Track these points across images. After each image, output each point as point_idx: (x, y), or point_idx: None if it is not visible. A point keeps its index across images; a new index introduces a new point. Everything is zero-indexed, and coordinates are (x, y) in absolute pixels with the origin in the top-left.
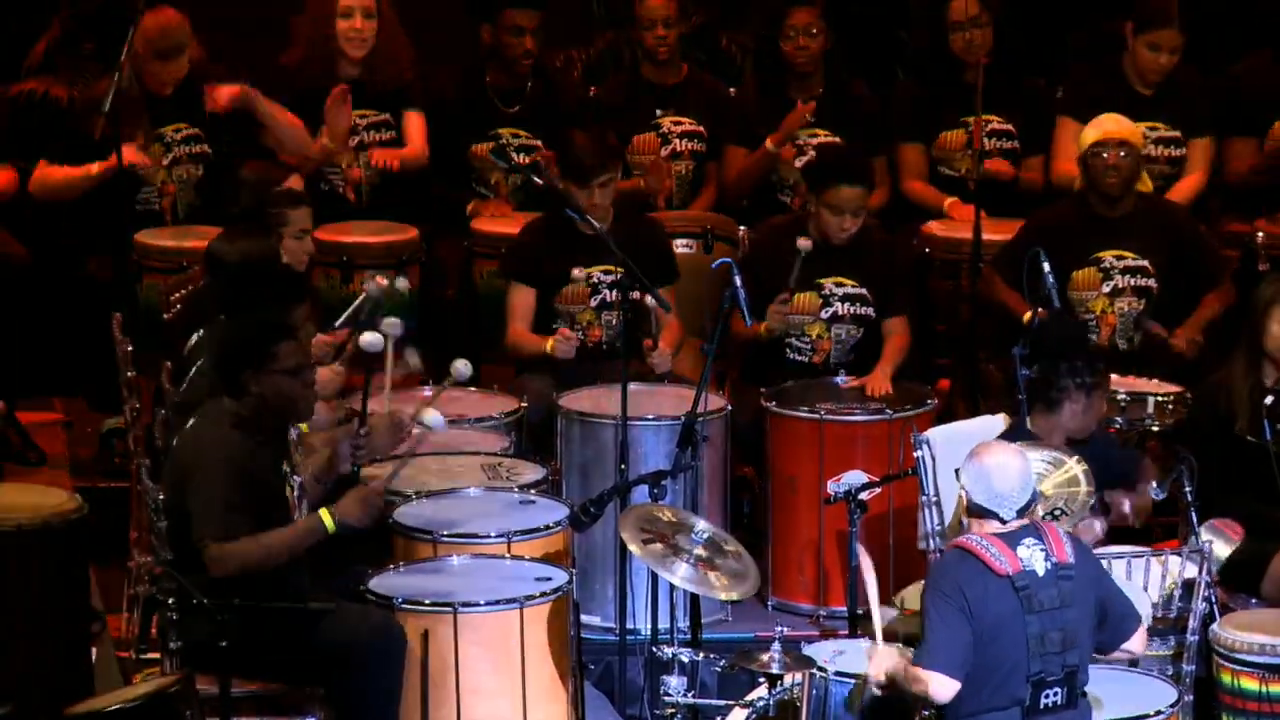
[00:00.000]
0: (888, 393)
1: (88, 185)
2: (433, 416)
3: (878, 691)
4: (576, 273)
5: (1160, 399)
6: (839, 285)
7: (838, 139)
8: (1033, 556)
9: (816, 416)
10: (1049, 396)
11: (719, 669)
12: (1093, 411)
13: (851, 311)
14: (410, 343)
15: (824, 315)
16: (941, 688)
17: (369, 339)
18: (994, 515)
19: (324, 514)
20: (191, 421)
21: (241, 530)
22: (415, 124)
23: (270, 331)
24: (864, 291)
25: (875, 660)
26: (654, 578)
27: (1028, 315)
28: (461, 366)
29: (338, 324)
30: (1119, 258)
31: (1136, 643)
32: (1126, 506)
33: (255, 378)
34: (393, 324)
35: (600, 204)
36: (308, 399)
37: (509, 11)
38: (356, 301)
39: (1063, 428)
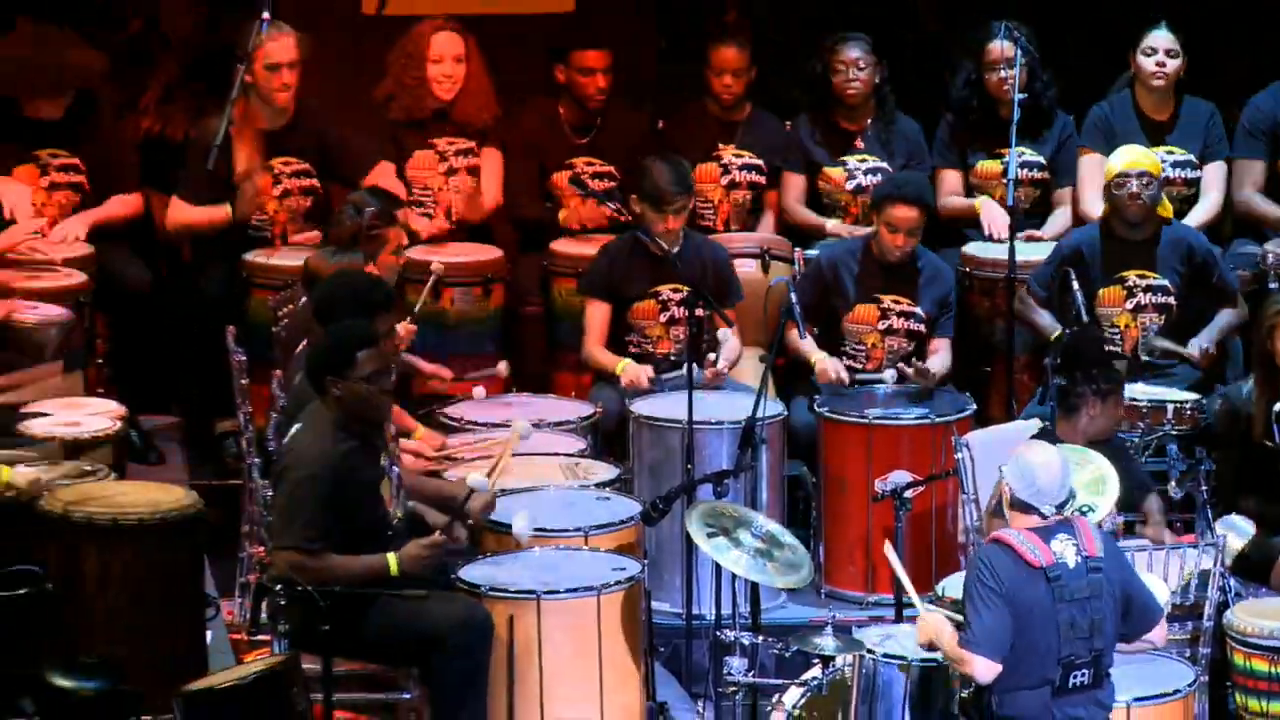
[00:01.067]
0: (932, 374)
1: (216, 228)
2: (521, 525)
3: (921, 648)
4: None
5: (1178, 405)
6: (896, 303)
7: (884, 165)
8: (1065, 550)
9: (866, 421)
10: (1068, 403)
11: (777, 651)
12: (1109, 416)
13: (905, 326)
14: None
15: (880, 327)
16: (985, 669)
17: (476, 480)
18: (1035, 510)
19: (391, 558)
20: (296, 426)
21: (321, 542)
22: (492, 163)
23: (351, 340)
24: (918, 310)
25: (922, 623)
26: (717, 568)
27: (1057, 332)
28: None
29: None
30: (1141, 277)
31: (1157, 634)
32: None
33: (337, 383)
34: (524, 428)
35: (673, 229)
36: (384, 403)
37: (580, 53)
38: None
39: (1082, 431)
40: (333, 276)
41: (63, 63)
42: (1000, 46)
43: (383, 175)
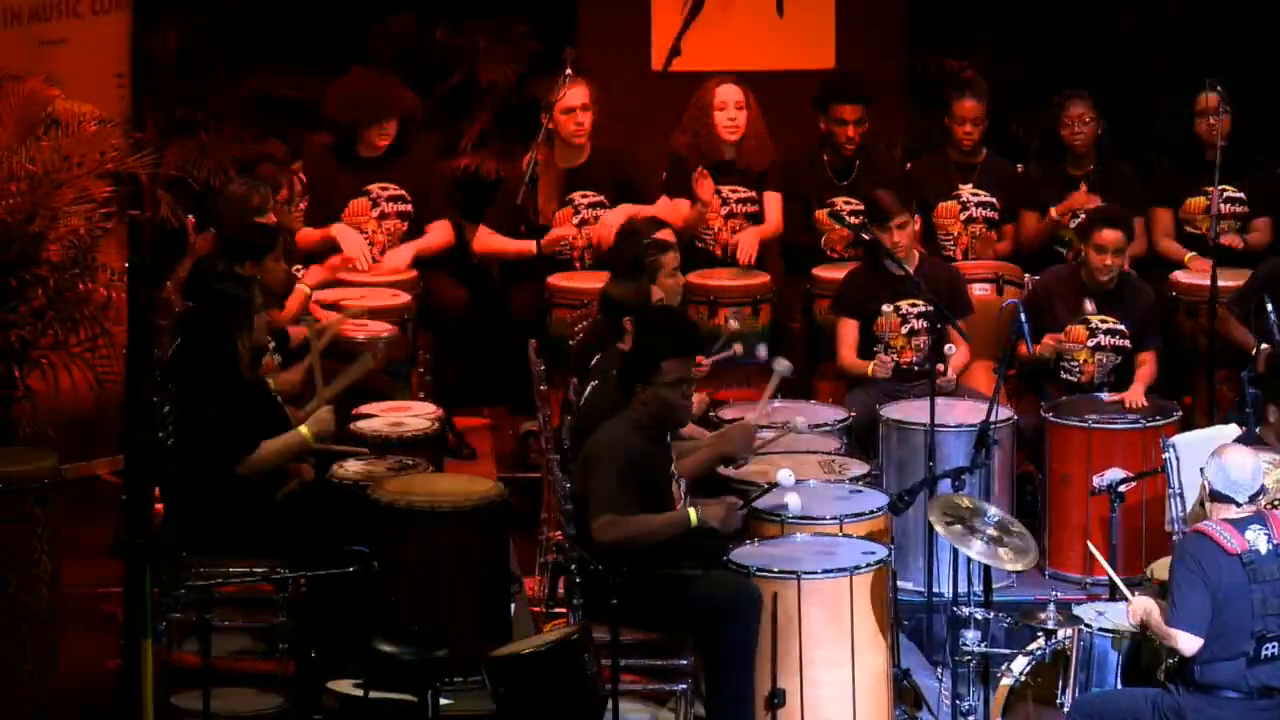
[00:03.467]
0: (1142, 406)
1: (520, 258)
2: (784, 476)
3: (1134, 625)
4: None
5: None
6: (1104, 322)
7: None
8: (1257, 539)
9: (1086, 425)
10: (1264, 412)
11: (1006, 625)
12: None
13: (1112, 343)
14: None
15: (1090, 344)
16: (1189, 643)
17: (783, 364)
18: (1230, 500)
19: (691, 511)
20: (602, 426)
21: (628, 509)
22: (773, 203)
23: (659, 351)
24: (1123, 328)
25: (1134, 605)
26: (955, 552)
27: (1255, 349)
28: (781, 365)
29: (709, 356)
30: None
31: None
32: None
33: (644, 389)
34: (784, 366)
35: (901, 243)
36: (685, 408)
37: (835, 106)
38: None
39: (1276, 437)
40: (619, 300)
41: (384, 95)
42: (1207, 97)
43: (668, 208)
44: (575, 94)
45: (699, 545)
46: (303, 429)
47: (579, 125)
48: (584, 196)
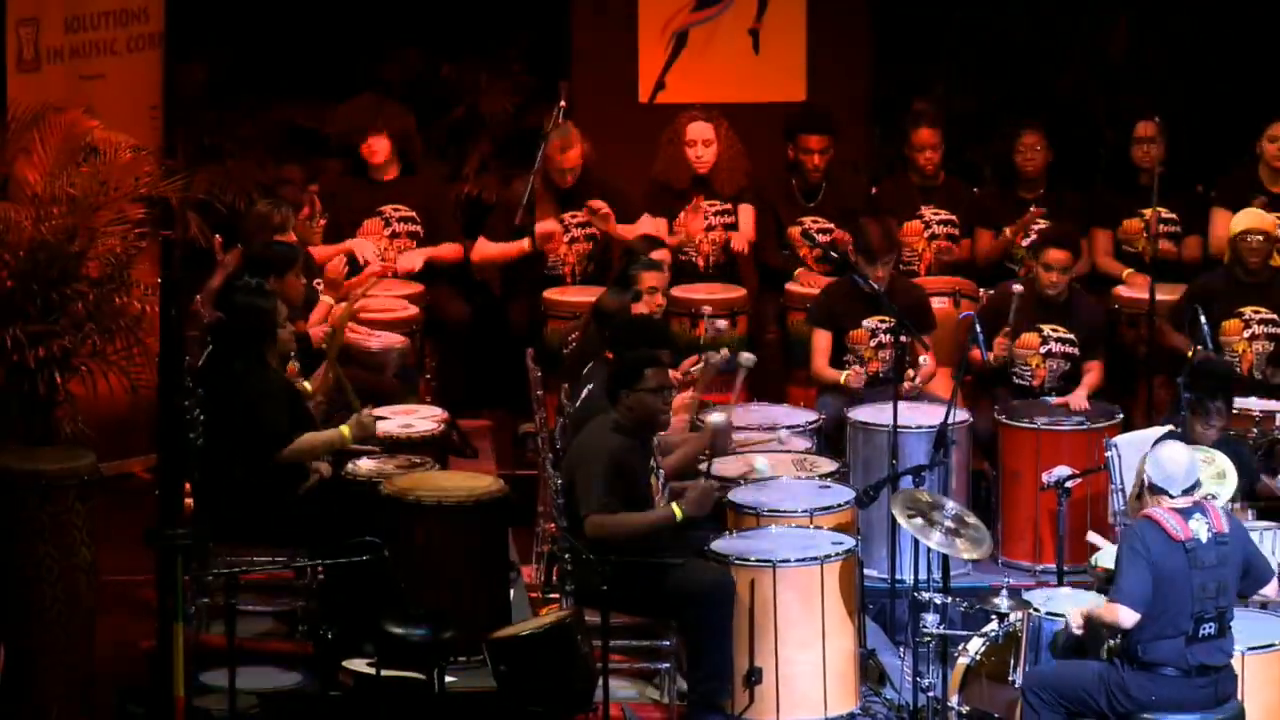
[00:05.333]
0: (1083, 409)
1: (515, 258)
2: (762, 464)
3: (1077, 632)
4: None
5: None
6: (1054, 331)
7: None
8: (1199, 528)
9: (1035, 427)
10: (1197, 412)
11: (963, 609)
12: (1227, 418)
13: (1063, 350)
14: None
15: (1042, 351)
16: (1126, 616)
17: (746, 357)
18: (1164, 492)
19: (675, 507)
20: (586, 428)
21: (613, 508)
22: (746, 215)
23: (642, 360)
24: (1072, 336)
25: (1071, 612)
26: (916, 542)
27: (1190, 352)
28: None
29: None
30: (1255, 312)
31: (1270, 589)
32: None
33: (628, 394)
34: (748, 358)
35: (882, 277)
36: (665, 413)
37: (801, 136)
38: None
39: (1208, 437)
40: (612, 314)
41: (373, 113)
42: (1144, 126)
43: (649, 224)
44: (562, 141)
45: (683, 536)
46: (344, 429)
47: (566, 165)
48: (573, 217)
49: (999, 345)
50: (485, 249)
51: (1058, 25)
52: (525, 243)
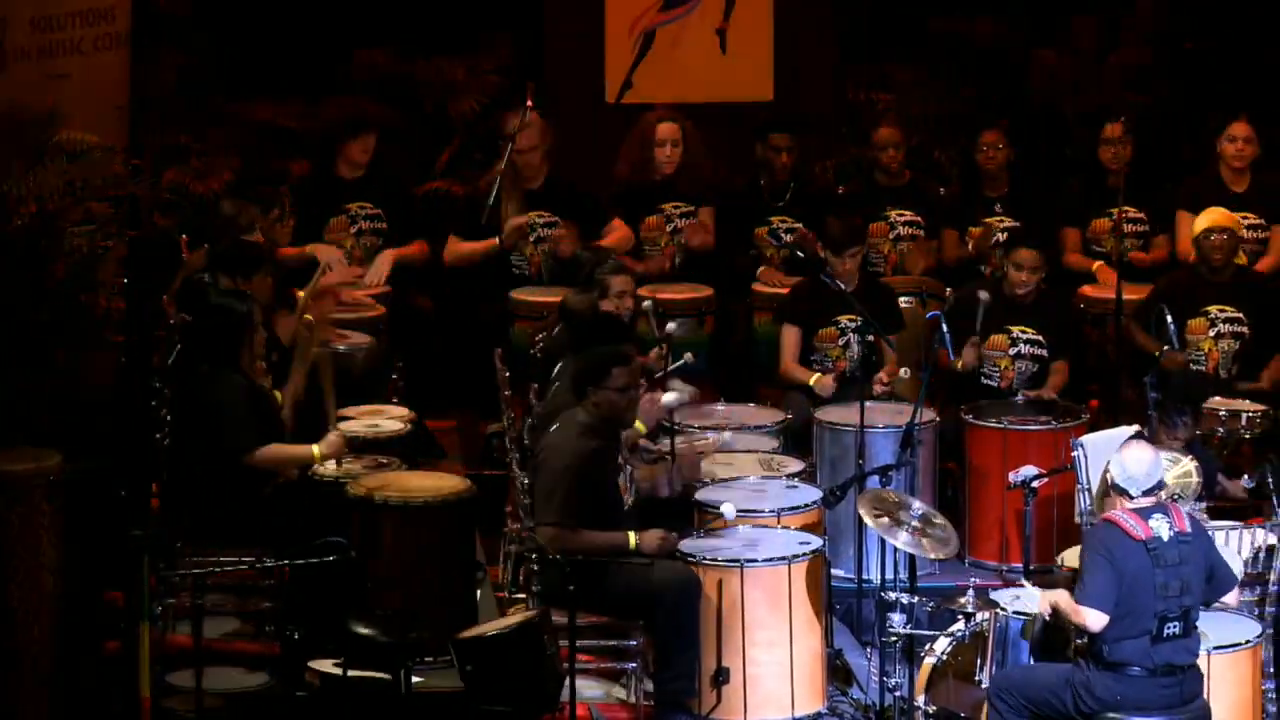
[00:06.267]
0: (1052, 399)
1: (486, 256)
2: (728, 510)
3: (1047, 618)
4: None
5: (1251, 414)
6: (1023, 332)
7: (1018, 224)
8: (1160, 527)
9: (1002, 426)
10: (1165, 417)
11: (929, 608)
12: (1193, 430)
13: (1031, 352)
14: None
15: (1010, 353)
16: (1094, 620)
17: (670, 398)
18: (1126, 492)
19: (631, 536)
20: (552, 428)
21: (573, 521)
22: (707, 217)
23: (609, 358)
24: (1040, 338)
25: (1042, 598)
26: (883, 542)
27: (1157, 354)
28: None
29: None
30: (1221, 311)
31: (1232, 598)
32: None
33: (595, 391)
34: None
35: (849, 269)
36: (630, 410)
37: (771, 135)
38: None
39: (1179, 440)
40: (578, 313)
41: (363, 112)
42: (1112, 126)
43: (618, 227)
44: (527, 137)
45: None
46: (315, 448)
47: (530, 163)
48: (540, 216)
49: (968, 354)
50: (457, 247)
51: (1026, 25)
52: (494, 241)
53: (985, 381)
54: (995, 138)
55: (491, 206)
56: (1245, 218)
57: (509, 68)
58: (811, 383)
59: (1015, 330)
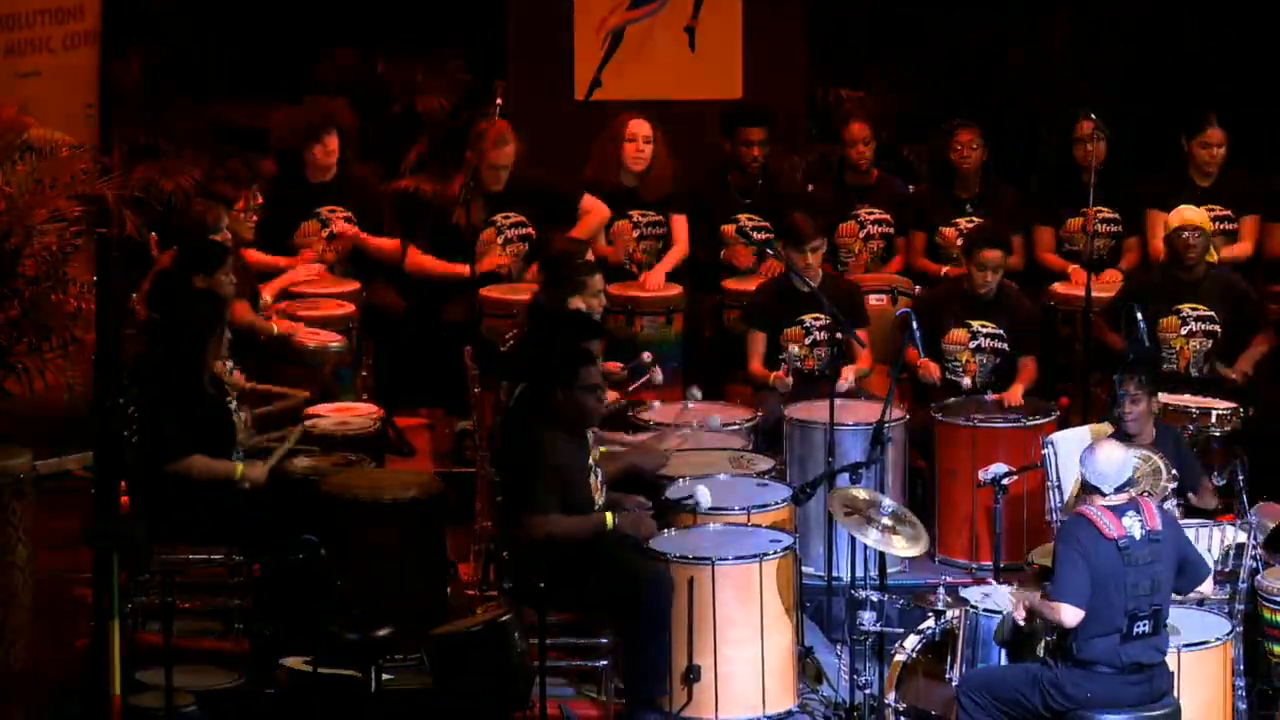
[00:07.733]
0: (1019, 404)
1: (453, 279)
2: (703, 497)
3: (1020, 623)
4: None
5: (1221, 412)
6: (983, 326)
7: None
8: (1132, 525)
9: (972, 424)
10: (1114, 395)
11: (899, 606)
12: (1148, 414)
13: (991, 345)
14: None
15: (970, 346)
16: (1070, 615)
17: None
18: (1097, 490)
19: (609, 517)
20: (523, 425)
21: (549, 509)
22: (680, 225)
23: (577, 356)
24: (1001, 332)
25: (1015, 597)
26: (853, 540)
27: (1126, 353)
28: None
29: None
30: (1193, 309)
31: (1206, 586)
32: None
33: (562, 390)
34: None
35: (813, 265)
36: (597, 410)
37: (742, 130)
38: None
39: (1131, 425)
40: (549, 311)
41: (322, 111)
42: (1085, 125)
43: (591, 206)
44: (502, 155)
45: (621, 537)
46: (239, 467)
47: (500, 162)
48: (506, 218)
49: (924, 368)
50: (419, 261)
51: (997, 23)
52: (465, 269)
53: (950, 377)
54: (970, 137)
55: (462, 207)
56: (1211, 209)
57: (474, 66)
58: (771, 381)
59: (975, 325)
